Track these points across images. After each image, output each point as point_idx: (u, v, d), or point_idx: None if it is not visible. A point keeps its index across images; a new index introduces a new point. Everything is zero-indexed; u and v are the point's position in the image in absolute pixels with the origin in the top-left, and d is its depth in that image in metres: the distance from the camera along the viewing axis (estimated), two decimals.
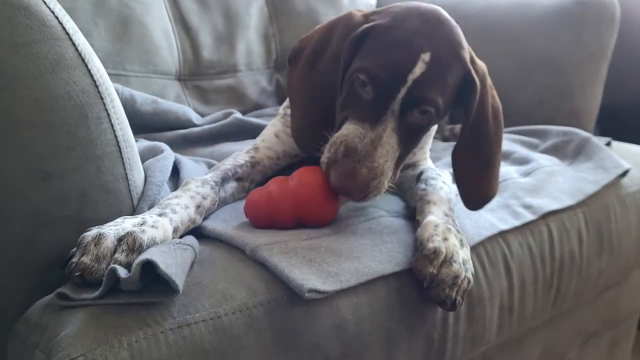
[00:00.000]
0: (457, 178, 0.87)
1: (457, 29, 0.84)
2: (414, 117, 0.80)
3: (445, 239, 0.76)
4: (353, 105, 0.81)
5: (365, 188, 0.76)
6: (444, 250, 0.74)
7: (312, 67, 0.89)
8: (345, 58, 0.82)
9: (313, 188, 0.78)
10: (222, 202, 0.88)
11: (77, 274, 0.61)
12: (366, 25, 0.82)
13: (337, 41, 0.86)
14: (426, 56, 0.77)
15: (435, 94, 0.78)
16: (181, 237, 0.75)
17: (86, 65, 0.67)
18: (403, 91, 0.77)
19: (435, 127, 1.01)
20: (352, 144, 0.77)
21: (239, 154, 0.98)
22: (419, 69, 0.77)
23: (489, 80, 0.88)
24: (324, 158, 0.81)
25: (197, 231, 0.78)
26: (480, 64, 0.88)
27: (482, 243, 0.89)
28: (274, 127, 1.03)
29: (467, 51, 0.84)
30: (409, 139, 0.82)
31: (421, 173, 0.94)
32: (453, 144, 1.30)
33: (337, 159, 0.77)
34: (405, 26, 0.79)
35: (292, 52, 0.95)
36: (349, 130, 0.79)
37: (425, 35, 0.78)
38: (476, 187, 0.86)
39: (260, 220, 0.80)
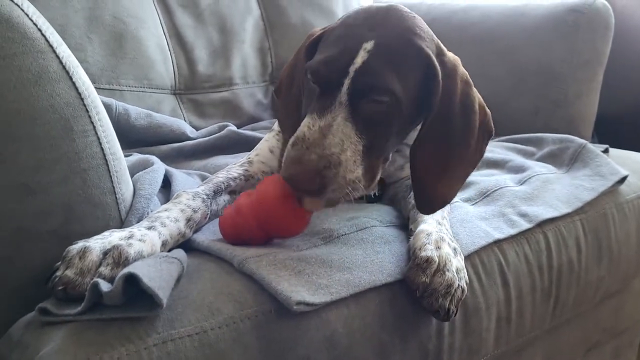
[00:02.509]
0: (413, 176, 0.80)
1: (414, 19, 0.81)
2: (369, 106, 0.76)
3: (438, 248, 0.75)
4: (308, 104, 0.80)
5: (316, 176, 0.71)
6: (436, 259, 0.73)
7: (289, 91, 0.91)
8: (303, 66, 0.83)
9: (273, 196, 0.74)
10: (214, 215, 0.87)
11: (59, 288, 0.60)
12: (318, 33, 0.85)
13: (300, 57, 0.88)
14: (368, 45, 0.75)
15: (385, 81, 0.74)
16: (170, 250, 0.74)
17: (71, 78, 0.67)
18: (347, 82, 0.75)
19: None
20: (300, 134, 0.74)
21: (232, 166, 0.97)
22: (360, 58, 0.74)
23: (460, 74, 0.83)
24: (281, 159, 0.77)
25: (186, 244, 0.77)
26: (451, 56, 0.84)
27: (477, 252, 0.87)
28: (269, 143, 1.02)
29: (430, 41, 0.81)
30: (373, 129, 0.77)
31: None
32: None
33: (289, 153, 0.74)
34: (351, 24, 0.80)
35: (276, 87, 0.98)
36: (302, 124, 0.76)
37: (369, 26, 0.77)
38: (432, 189, 0.80)
39: (229, 235, 0.77)
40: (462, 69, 0.84)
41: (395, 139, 0.82)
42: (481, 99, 0.86)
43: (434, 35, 0.84)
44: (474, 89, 0.85)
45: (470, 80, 0.85)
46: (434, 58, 0.79)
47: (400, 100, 0.76)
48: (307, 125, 0.74)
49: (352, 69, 0.75)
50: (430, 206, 0.81)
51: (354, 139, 0.75)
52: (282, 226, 0.76)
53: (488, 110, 0.87)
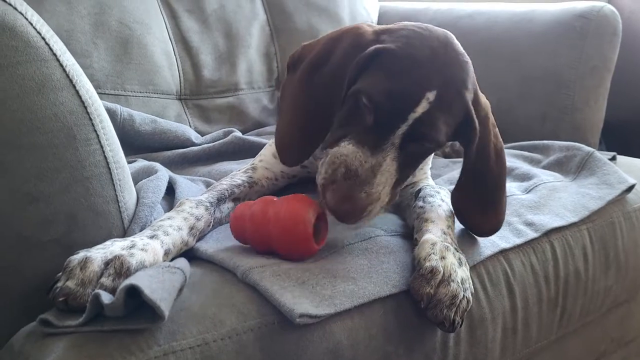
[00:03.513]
0: (460, 218, 0.86)
1: (466, 64, 0.81)
2: (413, 148, 0.78)
3: (443, 258, 0.74)
4: (352, 124, 0.78)
5: (361, 213, 0.74)
6: (441, 269, 0.72)
7: (312, 77, 0.85)
8: (351, 75, 0.79)
9: (294, 224, 0.73)
10: (218, 223, 0.86)
11: (60, 299, 0.60)
12: (376, 46, 0.79)
13: (343, 54, 0.82)
14: (431, 95, 0.75)
15: (435, 132, 0.77)
16: (173, 259, 0.73)
17: (74, 86, 0.66)
18: (403, 127, 0.76)
19: None
20: (353, 167, 0.74)
21: (236, 173, 0.97)
22: (421, 108, 0.75)
23: (491, 119, 0.86)
24: (320, 179, 0.78)
25: (189, 253, 0.77)
26: (484, 102, 0.85)
27: (483, 262, 0.87)
28: (272, 148, 1.01)
29: (472, 90, 0.81)
30: (408, 166, 0.81)
31: (419, 191, 0.92)
32: (454, 160, 1.30)
33: (335, 180, 0.75)
34: (415, 56, 0.77)
35: (292, 58, 0.90)
36: (348, 151, 0.76)
37: (433, 71, 0.76)
38: (479, 224, 0.87)
39: (237, 234, 0.78)
40: (491, 113, 0.87)
41: None
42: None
43: (474, 78, 0.84)
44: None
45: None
46: (474, 115, 0.80)
47: (440, 145, 0.80)
48: (359, 160, 0.75)
49: (411, 117, 0.75)
50: (482, 236, 0.88)
51: (393, 175, 0.77)
52: (292, 253, 0.75)
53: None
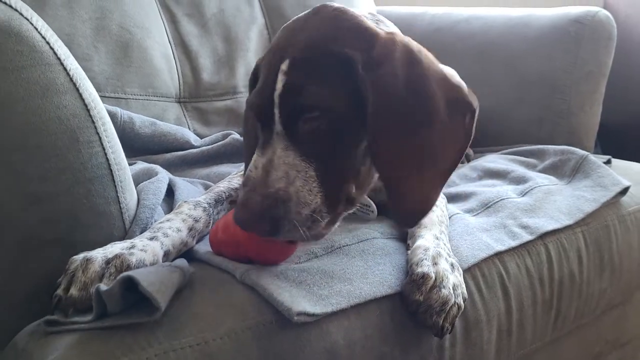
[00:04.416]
0: (384, 184, 0.74)
1: (335, 20, 0.74)
2: (304, 127, 0.71)
3: (436, 264, 0.75)
4: (259, 138, 0.75)
5: (263, 218, 0.67)
6: (433, 275, 0.73)
7: (247, 123, 0.85)
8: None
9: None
10: None
11: (68, 308, 0.61)
12: (258, 62, 0.79)
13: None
14: (284, 65, 0.71)
15: (305, 96, 0.69)
16: (173, 260, 0.75)
17: (77, 90, 0.68)
18: (276, 111, 0.71)
19: None
20: (247, 174, 0.71)
21: (233, 176, 0.98)
22: (280, 83, 0.70)
23: (399, 57, 0.72)
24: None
25: (188, 254, 0.78)
26: (385, 39, 0.74)
27: (478, 264, 0.88)
28: None
29: (355, 39, 0.72)
30: (319, 149, 0.71)
31: None
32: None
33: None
34: (274, 43, 0.75)
35: (253, 74, 0.85)
36: (250, 163, 0.73)
37: (286, 44, 0.72)
38: (404, 193, 0.71)
39: (214, 248, 0.76)
40: (403, 50, 0.74)
41: (357, 152, 0.74)
42: (448, 74, 0.77)
43: (366, 25, 0.75)
44: (432, 67, 0.76)
45: (426, 57, 0.76)
46: (354, 56, 0.71)
47: (332, 109, 0.70)
48: (254, 164, 0.71)
49: (276, 96, 0.71)
50: (410, 217, 0.74)
51: (301, 166, 0.70)
52: (261, 255, 0.73)
53: (460, 84, 0.77)
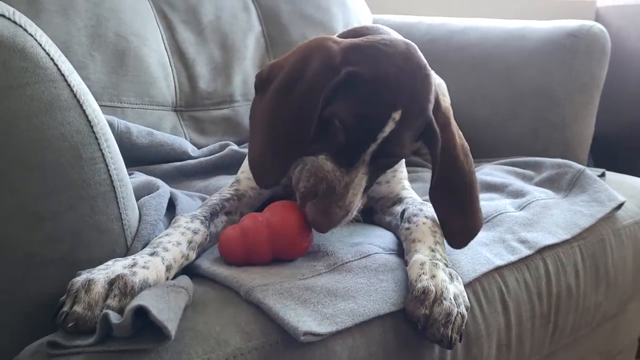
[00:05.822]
0: (440, 220, 0.88)
1: (427, 77, 0.84)
2: (381, 162, 0.85)
3: (434, 276, 0.76)
4: (327, 141, 0.82)
5: (337, 224, 0.82)
6: (433, 288, 0.74)
7: (284, 98, 0.85)
8: (324, 98, 0.80)
9: (289, 223, 0.82)
10: (214, 238, 0.87)
11: (70, 325, 0.60)
12: (347, 70, 0.81)
13: (314, 76, 0.83)
14: (397, 115, 0.80)
15: (401, 148, 0.83)
16: (175, 275, 0.74)
17: (81, 106, 0.67)
18: (373, 146, 0.81)
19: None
20: (332, 186, 0.81)
21: (224, 189, 0.98)
22: (389, 128, 0.80)
23: (453, 123, 0.90)
24: (301, 186, 0.84)
25: (191, 270, 0.77)
26: (445, 107, 0.90)
27: (479, 279, 0.88)
28: None
29: (433, 100, 0.85)
30: (376, 176, 0.88)
31: (404, 211, 0.93)
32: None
33: (317, 193, 0.81)
34: (382, 77, 0.80)
35: (261, 78, 0.90)
36: (328, 168, 0.82)
37: (398, 91, 0.80)
38: (460, 226, 0.88)
39: (236, 257, 0.80)
40: (452, 117, 0.91)
41: None
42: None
43: (435, 86, 0.87)
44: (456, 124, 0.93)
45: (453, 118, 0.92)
46: (433, 120, 0.85)
47: (407, 157, 0.89)
48: (337, 179, 0.81)
49: (380, 137, 0.81)
50: (462, 242, 0.88)
51: (363, 186, 0.84)
52: (295, 249, 0.83)
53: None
